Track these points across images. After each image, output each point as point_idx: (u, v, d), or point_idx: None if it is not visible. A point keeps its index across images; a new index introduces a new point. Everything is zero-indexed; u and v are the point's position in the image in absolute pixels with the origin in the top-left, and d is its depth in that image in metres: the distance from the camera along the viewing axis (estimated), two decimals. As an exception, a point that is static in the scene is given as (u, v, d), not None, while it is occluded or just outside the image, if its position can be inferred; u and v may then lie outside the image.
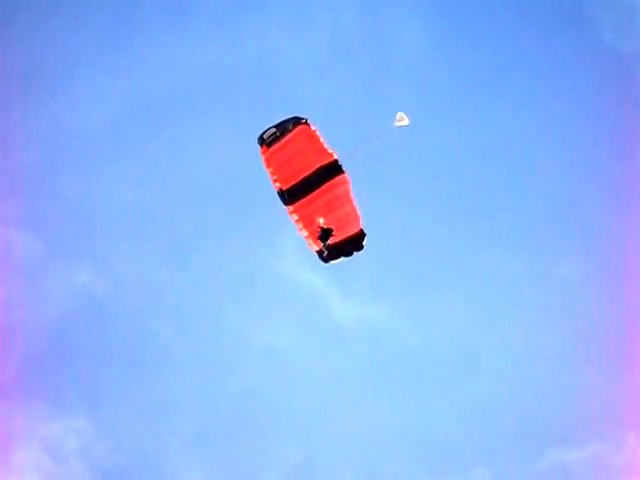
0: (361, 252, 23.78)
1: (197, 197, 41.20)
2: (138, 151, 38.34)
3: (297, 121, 23.12)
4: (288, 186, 23.41)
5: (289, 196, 23.54)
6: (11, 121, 35.68)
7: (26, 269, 35.69)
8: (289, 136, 23.07)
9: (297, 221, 23.68)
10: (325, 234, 23.49)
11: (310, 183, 23.34)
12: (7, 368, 35.70)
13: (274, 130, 23.10)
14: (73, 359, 36.35)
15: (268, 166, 23.50)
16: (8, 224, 35.48)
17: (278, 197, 23.64)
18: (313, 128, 23.21)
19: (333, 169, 23.26)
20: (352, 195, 23.54)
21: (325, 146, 23.19)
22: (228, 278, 38.00)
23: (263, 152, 23.34)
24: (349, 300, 38.98)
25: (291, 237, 40.70)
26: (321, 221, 23.48)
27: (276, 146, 23.15)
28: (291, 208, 23.70)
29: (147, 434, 36.79)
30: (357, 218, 23.65)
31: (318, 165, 23.22)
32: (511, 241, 39.84)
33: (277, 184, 23.56)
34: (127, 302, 36.76)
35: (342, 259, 23.78)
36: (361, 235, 23.69)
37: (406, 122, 21.95)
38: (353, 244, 23.66)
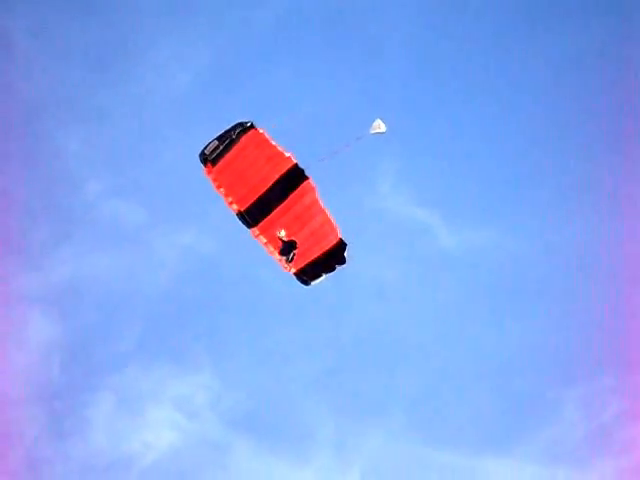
0: (344, 265, 20.97)
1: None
2: (224, 111, 38.53)
3: (242, 128, 20.08)
4: (247, 206, 20.55)
5: (250, 217, 20.66)
6: (103, 92, 36.55)
7: (133, 237, 36.73)
8: (236, 147, 20.07)
9: (266, 244, 20.94)
10: (287, 247, 20.79)
11: (271, 198, 20.42)
12: (131, 334, 36.94)
13: (216, 143, 20.14)
14: (191, 317, 37.32)
15: (218, 187, 20.58)
16: (111, 195, 36.52)
17: (238, 219, 20.81)
18: (261, 131, 20.13)
19: (295, 177, 20.20)
20: (322, 203, 20.52)
21: (280, 150, 20.07)
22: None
23: (208, 172, 20.43)
24: (453, 228, 38.69)
25: (387, 173, 41.10)
26: (282, 234, 20.65)
27: (223, 162, 20.19)
28: (256, 231, 20.83)
29: (272, 380, 37.43)
30: (333, 228, 20.66)
31: (277, 176, 20.12)
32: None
33: (234, 207, 20.69)
34: (233, 257, 37.38)
35: (325, 277, 21.08)
36: (341, 245, 20.75)
37: (383, 129, 19.80)
38: (334, 257, 20.82)
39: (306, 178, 20.30)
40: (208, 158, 20.22)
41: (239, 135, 20.09)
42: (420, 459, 36.67)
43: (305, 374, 38.01)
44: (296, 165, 20.14)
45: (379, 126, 19.94)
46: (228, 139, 20.12)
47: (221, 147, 20.13)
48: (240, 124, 20.14)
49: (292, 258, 21.02)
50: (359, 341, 38.31)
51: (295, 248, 20.93)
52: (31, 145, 36.98)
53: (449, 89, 39.44)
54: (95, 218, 37.20)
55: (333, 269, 21.02)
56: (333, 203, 37.17)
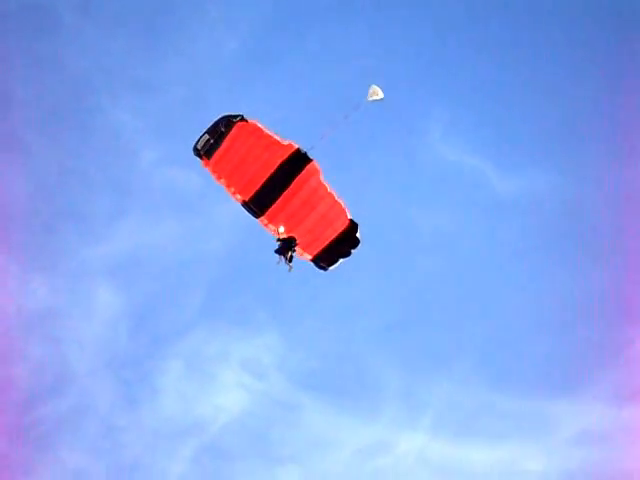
0: (358, 249, 20.36)
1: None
2: (271, 74, 38.50)
3: (230, 120, 19.52)
4: (251, 195, 20.09)
5: (256, 206, 20.19)
6: (151, 62, 36.73)
7: (191, 204, 36.95)
8: (230, 138, 19.54)
9: (275, 233, 20.43)
10: (285, 245, 20.37)
11: (276, 184, 19.83)
12: (195, 300, 37.30)
13: (207, 137, 19.68)
14: (252, 280, 37.56)
15: (218, 178, 20.19)
16: (166, 163, 36.78)
17: (245, 210, 20.38)
18: (252, 122, 19.54)
19: (298, 161, 19.51)
20: (328, 184, 19.90)
21: (277, 138, 19.51)
22: (384, 172, 38.07)
23: (205, 165, 20.05)
24: (507, 174, 38.38)
25: (438, 122, 40.87)
26: (281, 230, 20.29)
27: (218, 154, 19.75)
28: (264, 220, 20.38)
29: (336, 338, 37.74)
30: (342, 210, 20.07)
31: (279, 161, 19.54)
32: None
33: (237, 197, 20.27)
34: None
35: (342, 261, 20.60)
36: (353, 227, 20.14)
37: (380, 95, 19.08)
38: (347, 241, 20.26)
39: (310, 160, 19.61)
40: (201, 152, 19.85)
41: (228, 128, 19.53)
42: (489, 405, 36.68)
43: (369, 330, 38.18)
44: (298, 149, 19.55)
45: (376, 92, 19.25)
46: (217, 132, 19.63)
47: (212, 140, 19.68)
48: (227, 117, 19.60)
49: (291, 258, 20.61)
50: (421, 293, 38.45)
51: (295, 245, 20.59)
52: (84, 119, 37.39)
53: (496, 33, 39.25)
54: (152, 187, 37.55)
55: (349, 253, 20.49)
56: (384, 155, 37.70)
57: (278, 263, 20.70)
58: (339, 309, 38.19)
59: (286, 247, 20.57)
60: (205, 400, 37.20)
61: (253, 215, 20.39)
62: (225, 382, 37.48)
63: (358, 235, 20.24)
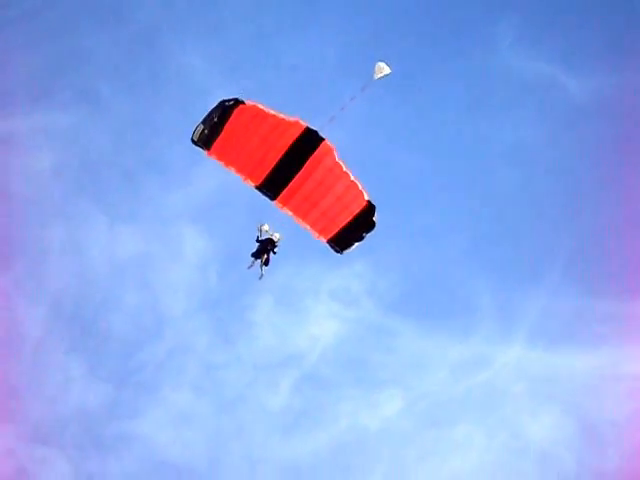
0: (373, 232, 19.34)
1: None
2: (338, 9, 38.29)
3: (225, 106, 18.61)
4: (263, 179, 19.28)
5: (269, 190, 19.40)
6: (215, 3, 36.99)
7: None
8: (230, 123, 18.66)
9: (294, 215, 19.65)
10: (262, 247, 20.29)
11: (288, 167, 18.93)
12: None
13: (201, 127, 18.89)
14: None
15: (227, 164, 19.37)
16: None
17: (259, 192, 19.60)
18: (252, 103, 18.62)
19: (309, 140, 18.58)
20: (343, 163, 18.95)
21: (282, 116, 18.55)
22: (455, 88, 37.76)
23: (209, 154, 19.27)
24: (581, 79, 37.71)
25: (506, 30, 40.22)
26: (277, 235, 20.31)
27: (220, 141, 18.93)
28: (279, 204, 19.60)
29: (424, 258, 37.71)
30: (359, 191, 19.10)
31: (289, 142, 18.61)
32: None
33: (249, 182, 19.51)
34: (364, 144, 37.47)
35: (356, 246, 19.62)
36: (369, 209, 19.14)
37: (387, 71, 18.30)
38: (363, 223, 19.25)
39: (322, 139, 18.70)
40: (198, 143, 19.16)
41: (224, 115, 18.69)
42: (584, 311, 36.36)
43: (456, 248, 38.19)
44: (307, 128, 18.59)
45: (382, 69, 18.54)
46: (212, 121, 18.80)
47: (206, 130, 18.91)
48: (221, 104, 18.74)
49: (267, 261, 20.38)
50: (505, 206, 38.18)
51: (273, 248, 20.43)
52: (154, 67, 37.81)
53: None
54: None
55: (362, 238, 19.52)
56: (454, 69, 37.24)
57: (249, 267, 20.65)
58: (424, 230, 38.19)
59: (262, 250, 20.38)
60: (299, 331, 37.70)
61: (269, 198, 19.69)
62: (317, 313, 37.84)
63: (375, 219, 19.26)
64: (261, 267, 20.65)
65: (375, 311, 37.82)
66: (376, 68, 18.50)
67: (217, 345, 36.77)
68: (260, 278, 20.80)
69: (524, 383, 36.42)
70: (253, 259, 20.69)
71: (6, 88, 35.84)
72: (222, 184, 37.60)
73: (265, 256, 20.49)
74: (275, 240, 20.61)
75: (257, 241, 20.58)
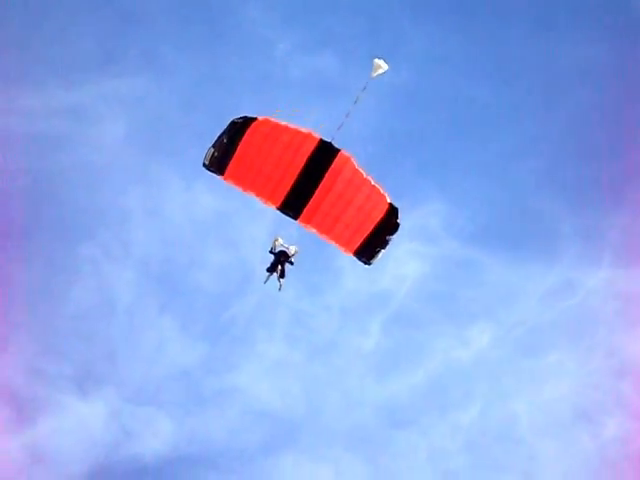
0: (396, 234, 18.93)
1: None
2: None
3: (233, 127, 18.05)
4: (283, 199, 18.86)
5: (291, 210, 18.97)
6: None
7: (334, 86, 36.76)
8: (243, 145, 18.12)
9: (318, 232, 19.24)
10: (277, 261, 20.15)
11: (307, 182, 18.51)
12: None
13: (212, 151, 18.38)
14: (407, 148, 37.19)
15: (245, 189, 18.90)
16: (301, 51, 36.74)
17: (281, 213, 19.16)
18: (263, 118, 18.02)
19: (325, 153, 18.09)
20: (362, 171, 18.44)
21: (294, 128, 18.03)
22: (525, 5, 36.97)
23: (224, 179, 18.83)
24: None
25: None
26: (292, 249, 20.14)
27: (233, 165, 18.43)
28: (303, 222, 19.19)
29: (502, 187, 37.61)
30: (381, 195, 18.62)
31: (305, 158, 18.18)
32: None
33: (269, 204, 19.04)
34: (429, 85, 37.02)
35: (383, 253, 19.32)
36: (392, 211, 18.71)
37: (385, 68, 17.88)
38: (386, 227, 18.81)
39: (337, 151, 18.22)
40: (211, 168, 18.73)
41: (236, 136, 18.20)
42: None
43: (532, 173, 37.89)
44: (321, 141, 18.13)
45: (380, 66, 18.12)
46: (222, 145, 18.37)
47: (217, 153, 18.45)
48: (231, 124, 18.20)
49: (282, 272, 20.22)
50: (578, 127, 37.44)
51: (287, 259, 20.27)
52: (215, 23, 37.69)
53: None
54: (291, 77, 37.73)
55: (386, 242, 19.14)
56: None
57: (265, 282, 20.55)
58: (497, 160, 37.84)
59: (276, 263, 20.23)
60: (384, 273, 37.68)
61: (291, 217, 19.27)
62: (398, 254, 37.68)
63: (398, 220, 18.87)
64: (278, 279, 20.60)
65: (457, 246, 37.70)
66: (374, 66, 18.11)
67: (304, 294, 37.02)
68: (280, 290, 20.68)
69: (615, 303, 36.13)
70: (268, 274, 20.65)
71: (71, 59, 36.02)
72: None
73: (280, 268, 20.34)
74: (290, 254, 20.49)
75: (270, 252, 20.50)
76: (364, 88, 17.98)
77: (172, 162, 36.69)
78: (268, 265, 20.65)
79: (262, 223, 37.26)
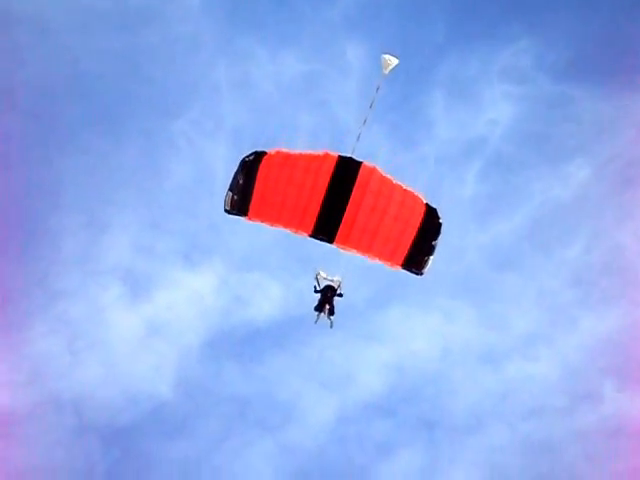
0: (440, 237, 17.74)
1: None
2: None
3: (245, 164, 17.21)
4: (313, 225, 17.79)
5: (324, 234, 17.88)
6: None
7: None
8: (260, 180, 17.24)
9: (358, 252, 18.18)
10: (323, 298, 18.93)
11: (335, 202, 17.40)
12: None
13: (230, 195, 17.54)
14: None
15: (272, 224, 17.93)
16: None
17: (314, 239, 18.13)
18: (273, 150, 17.19)
19: (348, 169, 17.10)
20: (391, 178, 17.28)
21: (310, 153, 17.14)
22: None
23: (250, 218, 17.94)
24: None
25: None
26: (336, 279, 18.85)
27: (255, 203, 17.57)
28: (339, 244, 18.08)
29: (586, 19, 36.56)
30: (415, 198, 17.45)
31: (328, 178, 17.15)
32: None
33: (301, 234, 18.02)
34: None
35: (431, 260, 18.04)
36: (430, 212, 17.52)
37: (395, 62, 16.98)
38: (429, 231, 17.65)
39: (360, 164, 17.19)
40: (232, 212, 17.87)
41: (250, 174, 17.33)
42: None
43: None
44: (340, 158, 17.12)
45: (390, 61, 17.26)
46: (239, 185, 17.50)
47: (236, 197, 17.60)
48: (242, 162, 17.35)
49: (331, 310, 19.05)
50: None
51: (333, 294, 19.00)
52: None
53: None
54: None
55: (433, 248, 17.94)
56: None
57: (316, 322, 19.35)
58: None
59: (324, 301, 19.07)
60: (477, 119, 37.50)
61: (326, 242, 18.19)
62: (490, 97, 37.45)
63: (440, 220, 17.74)
64: (328, 317, 19.38)
65: (549, 83, 37.04)
66: (383, 63, 17.32)
67: (399, 148, 36.93)
68: (331, 327, 19.59)
69: None
70: (317, 313, 19.39)
71: None
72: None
73: (328, 307, 19.19)
74: (335, 286, 19.25)
75: (315, 292, 19.28)
76: (378, 89, 17.25)
77: (253, 31, 36.58)
78: (316, 304, 19.41)
79: (351, 80, 37.30)
